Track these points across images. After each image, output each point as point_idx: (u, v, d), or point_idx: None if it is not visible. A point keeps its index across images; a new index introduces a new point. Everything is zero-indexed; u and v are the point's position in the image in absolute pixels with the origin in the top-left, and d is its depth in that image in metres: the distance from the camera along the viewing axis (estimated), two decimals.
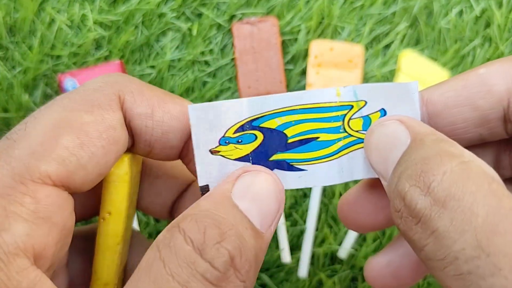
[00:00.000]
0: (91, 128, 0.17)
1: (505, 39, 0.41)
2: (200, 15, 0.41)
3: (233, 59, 0.40)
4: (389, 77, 0.40)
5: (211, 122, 0.18)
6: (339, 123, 0.19)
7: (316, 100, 0.18)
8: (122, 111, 0.18)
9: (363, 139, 0.19)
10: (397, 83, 0.19)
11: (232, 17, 0.41)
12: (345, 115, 0.19)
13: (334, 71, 0.39)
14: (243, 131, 0.18)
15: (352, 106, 0.19)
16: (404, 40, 0.41)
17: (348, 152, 0.19)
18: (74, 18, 0.39)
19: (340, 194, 0.38)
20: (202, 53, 0.40)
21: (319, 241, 0.38)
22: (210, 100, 0.40)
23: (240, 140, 0.18)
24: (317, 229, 0.38)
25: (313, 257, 0.38)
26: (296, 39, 0.40)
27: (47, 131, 0.16)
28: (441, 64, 0.40)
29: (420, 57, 0.39)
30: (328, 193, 0.39)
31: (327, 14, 0.40)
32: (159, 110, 0.19)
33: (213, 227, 0.15)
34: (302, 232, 0.38)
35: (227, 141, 0.18)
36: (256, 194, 0.17)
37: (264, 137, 0.19)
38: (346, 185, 0.39)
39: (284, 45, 0.40)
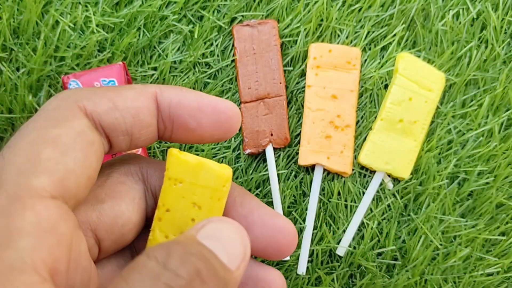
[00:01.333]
0: (64, 138, 0.18)
1: (501, 41, 0.42)
2: (201, 17, 0.41)
3: (233, 61, 0.41)
4: (386, 78, 0.41)
5: None
6: None
7: None
8: (88, 117, 0.19)
9: None
10: None
11: (232, 20, 0.41)
12: None
13: (333, 73, 0.40)
14: None
15: None
16: (401, 42, 0.41)
17: None
18: (77, 20, 0.40)
19: (339, 193, 0.39)
20: (203, 54, 0.41)
21: (317, 239, 0.39)
22: None
23: None
24: (315, 228, 0.39)
25: (312, 255, 0.39)
26: (295, 41, 0.41)
27: (26, 151, 0.17)
28: (438, 66, 0.41)
29: (417, 59, 0.40)
30: (327, 192, 0.39)
31: (326, 17, 0.41)
32: (119, 100, 0.19)
33: (178, 246, 0.16)
34: (301, 231, 0.39)
35: None
36: (220, 237, 0.18)
37: None
38: (344, 184, 0.39)
39: (284, 47, 0.41)
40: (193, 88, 0.40)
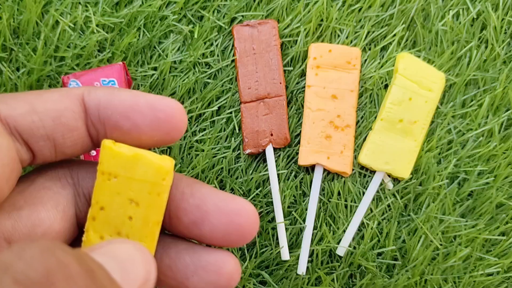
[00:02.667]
0: None
1: (501, 41, 0.42)
2: (201, 17, 0.41)
3: (233, 61, 0.41)
4: (386, 78, 0.41)
5: None
6: None
7: None
8: (1, 121, 0.18)
9: None
10: None
11: (232, 20, 0.41)
12: None
13: (333, 73, 0.40)
14: None
15: None
16: (401, 42, 0.41)
17: None
18: (77, 20, 0.40)
19: (339, 193, 0.39)
20: (203, 54, 0.41)
21: (317, 239, 0.39)
22: (211, 101, 0.40)
23: None
24: (315, 228, 0.39)
25: (312, 255, 0.39)
26: (295, 41, 0.41)
27: None
28: (438, 66, 0.41)
29: (417, 59, 0.40)
30: (327, 192, 0.39)
31: (326, 17, 0.41)
32: (39, 102, 0.18)
33: (33, 247, 0.13)
34: (301, 231, 0.39)
35: None
36: (116, 255, 0.16)
37: None
38: (344, 184, 0.39)
39: (284, 47, 0.41)
40: (193, 88, 0.40)
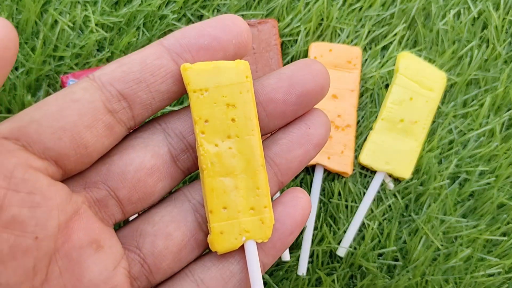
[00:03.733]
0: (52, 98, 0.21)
1: (503, 40, 0.41)
2: (200, 16, 0.41)
3: None
4: (387, 78, 0.40)
5: None
6: None
7: None
8: (96, 82, 0.21)
9: None
10: None
11: None
12: None
13: (334, 72, 0.40)
14: None
15: None
16: (402, 42, 0.41)
17: None
18: (76, 19, 0.40)
19: (339, 194, 0.39)
20: None
21: (318, 240, 0.39)
22: None
23: None
24: (316, 228, 0.39)
25: (312, 256, 0.38)
26: (295, 41, 0.41)
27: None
28: (439, 66, 0.41)
29: (418, 58, 0.40)
30: (328, 192, 0.39)
31: (326, 16, 0.41)
32: (125, 58, 0.21)
33: None
34: (301, 231, 0.38)
35: None
36: None
37: None
38: (345, 184, 0.39)
39: (284, 46, 0.41)
40: None
